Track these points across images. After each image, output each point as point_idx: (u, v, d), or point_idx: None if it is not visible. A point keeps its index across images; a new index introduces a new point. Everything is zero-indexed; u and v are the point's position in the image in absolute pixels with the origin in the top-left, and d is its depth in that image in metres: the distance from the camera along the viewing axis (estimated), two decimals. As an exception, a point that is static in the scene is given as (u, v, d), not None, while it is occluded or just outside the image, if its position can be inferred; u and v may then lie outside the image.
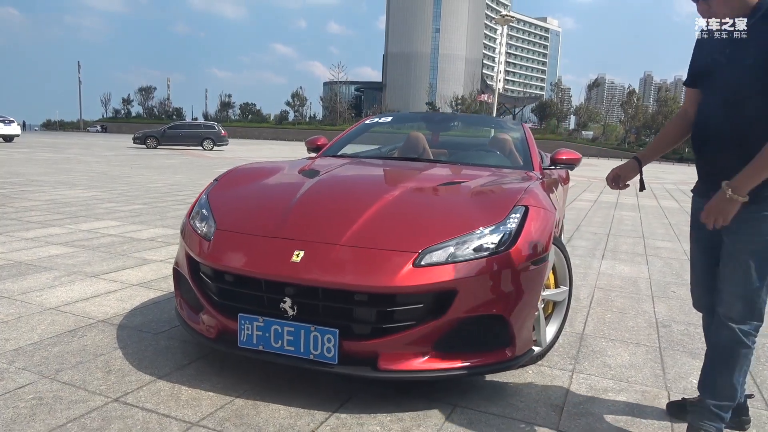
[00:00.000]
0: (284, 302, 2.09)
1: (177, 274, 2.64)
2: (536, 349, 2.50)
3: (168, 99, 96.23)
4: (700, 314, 2.21)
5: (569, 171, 4.65)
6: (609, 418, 2.17)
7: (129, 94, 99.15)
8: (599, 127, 76.41)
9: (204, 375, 2.34)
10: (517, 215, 2.33)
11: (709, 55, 1.97)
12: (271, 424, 1.98)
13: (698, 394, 2.07)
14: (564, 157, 3.60)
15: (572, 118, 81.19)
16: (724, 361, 1.92)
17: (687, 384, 2.51)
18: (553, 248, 2.58)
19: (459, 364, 2.13)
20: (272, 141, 61.17)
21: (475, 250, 2.17)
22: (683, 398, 2.27)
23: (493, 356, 2.18)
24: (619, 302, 3.77)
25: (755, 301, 1.85)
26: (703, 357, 2.05)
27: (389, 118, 4.37)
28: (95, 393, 2.14)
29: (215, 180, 2.94)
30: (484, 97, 77.45)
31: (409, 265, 2.07)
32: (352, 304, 2.08)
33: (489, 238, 2.21)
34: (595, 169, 25.91)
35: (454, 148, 4.38)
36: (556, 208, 2.72)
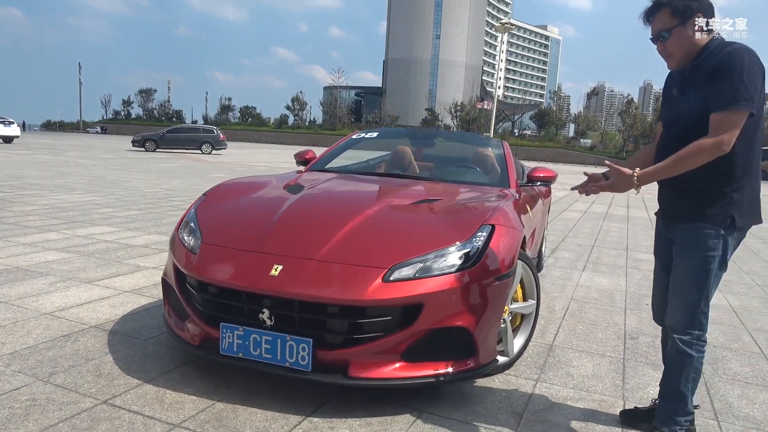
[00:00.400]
0: (263, 313, 2.25)
1: (165, 283, 2.80)
2: (502, 359, 2.66)
3: (168, 101, 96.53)
4: None
5: (550, 186, 4.81)
6: (564, 425, 2.32)
7: (129, 96, 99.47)
8: (597, 135, 76.72)
9: (188, 380, 2.50)
10: (484, 233, 2.50)
11: (668, 90, 2.18)
12: (248, 427, 2.13)
13: (650, 403, 2.25)
14: (540, 175, 3.77)
15: (571, 126, 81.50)
16: (671, 369, 2.11)
17: (644, 394, 2.67)
18: (520, 264, 2.75)
19: (425, 372, 2.29)
20: (271, 145, 61.33)
21: (441, 266, 2.33)
22: (635, 407, 2.43)
23: (457, 366, 2.33)
24: (592, 314, 3.94)
25: (694, 312, 2.03)
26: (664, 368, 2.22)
27: (375, 134, 4.54)
28: (85, 395, 2.29)
29: (204, 194, 3.11)
30: (484, 104, 77.68)
31: (379, 280, 2.23)
32: (325, 315, 2.24)
33: (456, 255, 2.37)
34: (590, 178, 26.11)
35: (438, 161, 4.56)
36: (524, 226, 2.89)
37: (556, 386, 2.69)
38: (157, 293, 3.73)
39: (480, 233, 2.49)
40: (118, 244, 5.24)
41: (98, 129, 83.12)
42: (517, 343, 2.82)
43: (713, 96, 1.90)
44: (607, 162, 2.12)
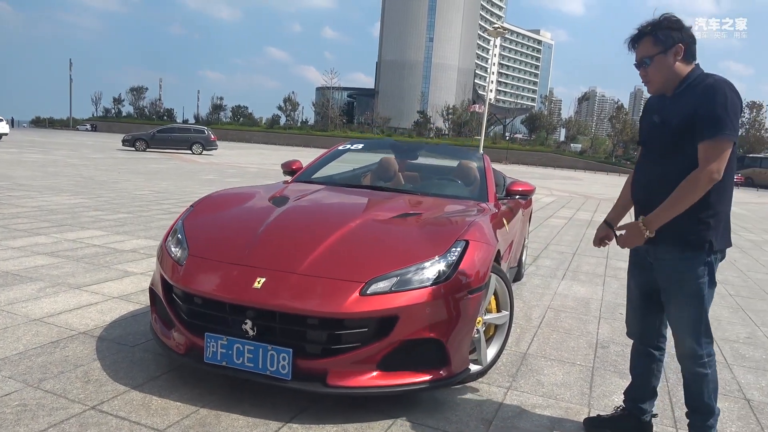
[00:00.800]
0: (246, 324, 2.36)
1: (152, 293, 2.90)
2: (475, 367, 2.79)
3: (159, 99, 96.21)
4: None
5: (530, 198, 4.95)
6: (531, 430, 2.45)
7: (120, 94, 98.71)
8: (588, 140, 77.34)
9: (173, 386, 2.60)
10: (458, 249, 2.63)
11: (649, 116, 2.30)
12: (229, 432, 2.24)
13: (612, 410, 2.42)
14: (519, 189, 3.91)
15: (562, 131, 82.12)
16: (693, 388, 2.25)
17: (609, 401, 2.81)
18: (494, 277, 2.88)
19: (400, 381, 2.41)
20: (263, 145, 61.28)
21: (416, 280, 2.46)
22: (598, 414, 2.57)
23: (430, 375, 2.46)
24: (567, 323, 4.08)
25: (700, 338, 2.17)
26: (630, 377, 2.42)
27: (360, 145, 4.67)
28: (74, 401, 2.39)
29: (191, 206, 3.21)
30: (476, 107, 78.03)
31: (356, 294, 2.35)
32: (305, 327, 2.36)
33: (430, 270, 2.50)
34: (578, 184, 26.43)
35: (422, 171, 4.70)
36: (498, 241, 3.02)
37: (526, 394, 2.82)
38: (144, 300, 3.83)
39: (454, 248, 2.62)
40: (107, 248, 5.32)
41: (88, 126, 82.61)
42: (491, 352, 2.94)
43: (700, 126, 2.01)
44: (618, 244, 2.27)
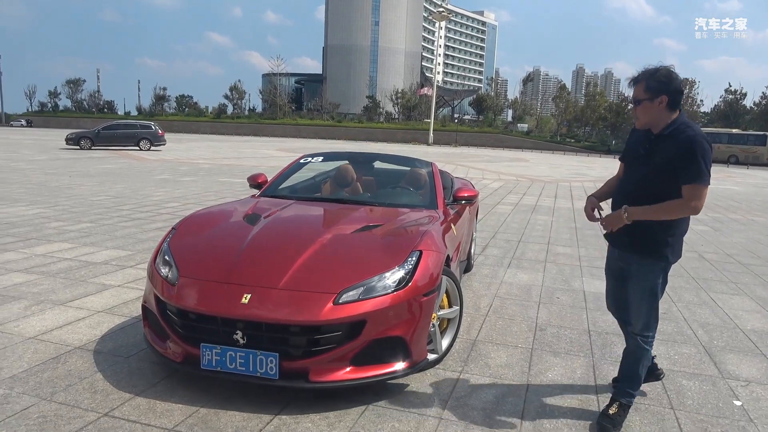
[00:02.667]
0: (236, 334, 2.77)
1: (145, 309, 3.26)
2: (432, 356, 3.28)
3: (98, 91, 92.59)
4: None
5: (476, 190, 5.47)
6: (479, 407, 2.97)
7: (56, 87, 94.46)
8: (533, 120, 79.50)
9: (173, 390, 2.99)
10: (413, 258, 3.10)
11: (636, 143, 2.83)
12: (230, 426, 2.66)
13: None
14: (465, 195, 4.43)
15: (509, 112, 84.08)
16: (631, 358, 2.88)
17: (544, 378, 3.36)
18: (445, 278, 3.37)
19: (370, 373, 2.88)
20: (211, 136, 60.19)
21: (380, 287, 2.92)
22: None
23: (395, 366, 2.94)
24: (511, 310, 4.64)
25: (649, 321, 2.82)
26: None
27: (321, 158, 5.08)
28: (88, 410, 2.75)
29: (173, 228, 3.56)
30: (425, 90, 78.80)
31: (330, 303, 2.79)
32: (288, 334, 2.79)
33: (391, 279, 2.97)
34: (525, 167, 27.46)
35: (377, 176, 5.15)
36: (447, 247, 3.52)
37: (476, 376, 3.35)
38: (128, 312, 4.14)
39: (410, 258, 3.10)
40: (78, 261, 5.55)
41: (23, 122, 78.89)
42: (445, 342, 3.45)
43: (684, 172, 2.53)
44: (601, 223, 2.82)
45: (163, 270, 3.16)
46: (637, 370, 2.86)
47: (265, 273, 2.99)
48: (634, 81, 2.68)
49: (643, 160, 2.73)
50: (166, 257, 3.24)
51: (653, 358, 3.16)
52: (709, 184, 2.55)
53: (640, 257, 2.75)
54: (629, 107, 58.11)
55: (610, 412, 2.83)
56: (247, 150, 31.66)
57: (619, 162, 3.01)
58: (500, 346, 3.84)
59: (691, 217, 2.74)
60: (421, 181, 4.72)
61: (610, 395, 2.99)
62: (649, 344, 2.85)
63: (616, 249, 2.93)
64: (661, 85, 2.58)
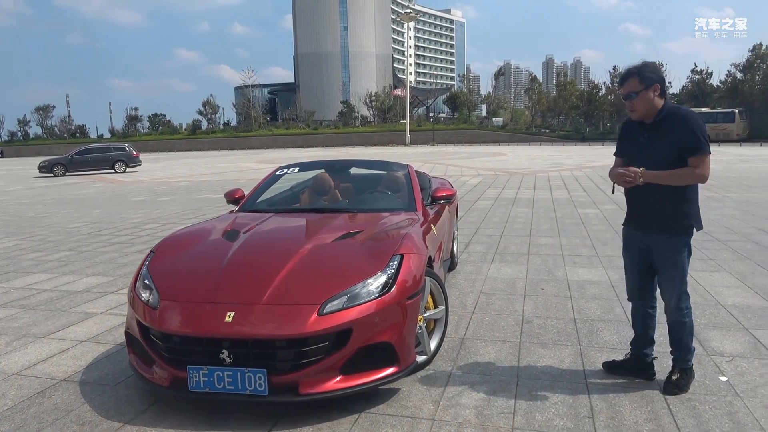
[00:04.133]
0: (222, 353, 2.75)
1: (129, 335, 3.21)
2: (421, 358, 3.29)
3: (69, 116, 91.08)
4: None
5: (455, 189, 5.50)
6: (471, 405, 2.98)
7: (25, 115, 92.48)
8: (508, 113, 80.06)
9: (162, 415, 2.95)
10: (395, 262, 3.11)
11: (634, 134, 3.02)
12: (222, 447, 2.63)
13: (623, 356, 3.35)
14: (443, 194, 4.45)
15: (483, 107, 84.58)
16: (677, 331, 3.07)
17: (534, 371, 3.39)
18: (428, 279, 3.38)
19: (360, 381, 2.87)
20: (186, 153, 59.59)
21: (364, 294, 2.92)
22: (613, 359, 3.35)
23: (384, 371, 2.93)
24: (497, 305, 4.67)
25: (682, 295, 3.02)
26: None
27: (296, 168, 5.07)
28: (76, 443, 2.70)
29: (151, 251, 3.52)
30: (398, 91, 78.91)
31: (315, 315, 2.79)
32: (274, 348, 2.77)
33: (374, 285, 2.97)
34: (502, 160, 27.64)
35: (354, 182, 5.14)
36: (428, 248, 3.53)
37: (466, 374, 3.36)
38: (112, 339, 4.09)
39: (392, 262, 3.10)
40: (59, 291, 5.46)
41: (-6, 153, 77.29)
42: (433, 343, 3.46)
43: (690, 147, 2.79)
44: (621, 174, 2.87)
45: (143, 294, 3.13)
46: (684, 340, 3.05)
47: (248, 289, 2.97)
48: (625, 77, 2.90)
49: (646, 145, 2.93)
50: (146, 281, 3.20)
51: (654, 359, 3.26)
52: (710, 152, 2.83)
53: (668, 234, 2.94)
54: (600, 94, 59.33)
55: (674, 378, 3.06)
56: (224, 164, 31.39)
57: (615, 157, 3.16)
58: (488, 342, 3.86)
59: None
60: (399, 184, 4.73)
61: (670, 363, 3.16)
62: (688, 315, 3.04)
63: (640, 232, 3.07)
64: (653, 75, 2.87)
